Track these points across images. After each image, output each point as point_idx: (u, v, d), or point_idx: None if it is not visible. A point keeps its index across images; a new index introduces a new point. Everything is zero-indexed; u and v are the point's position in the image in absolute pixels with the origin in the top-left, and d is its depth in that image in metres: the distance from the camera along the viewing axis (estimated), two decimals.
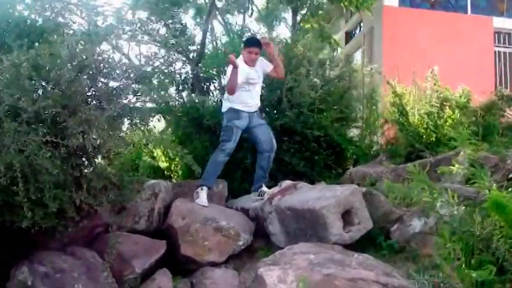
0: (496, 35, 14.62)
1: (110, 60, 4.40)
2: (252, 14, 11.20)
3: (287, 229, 4.92)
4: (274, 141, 5.89)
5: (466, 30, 13.71)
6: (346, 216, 4.52)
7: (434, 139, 7.04)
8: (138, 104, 4.76)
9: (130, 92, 4.64)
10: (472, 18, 14.43)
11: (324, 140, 6.85)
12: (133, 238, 4.82)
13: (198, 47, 8.12)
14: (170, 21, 7.69)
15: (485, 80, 11.94)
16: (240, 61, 5.58)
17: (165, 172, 9.01)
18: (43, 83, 4.13)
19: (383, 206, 4.86)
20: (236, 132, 5.68)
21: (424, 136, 7.11)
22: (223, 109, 5.84)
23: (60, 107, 3.93)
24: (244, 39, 6.48)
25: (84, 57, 4.10)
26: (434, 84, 7.42)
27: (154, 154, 9.28)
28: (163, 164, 9.14)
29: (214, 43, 9.40)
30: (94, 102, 4.31)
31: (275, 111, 6.99)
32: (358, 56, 15.15)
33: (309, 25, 12.32)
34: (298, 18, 11.59)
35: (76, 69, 4.05)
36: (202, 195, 5.47)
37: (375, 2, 11.21)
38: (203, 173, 5.55)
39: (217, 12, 10.23)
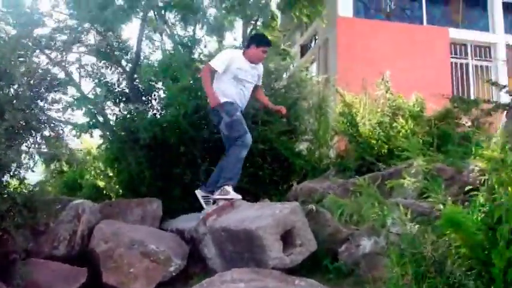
0: (452, 46, 14.55)
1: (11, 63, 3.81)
2: (203, 26, 10.76)
3: (223, 252, 4.44)
4: None
5: (422, 41, 13.66)
6: (287, 237, 4.07)
7: (386, 151, 6.71)
8: (54, 115, 4.24)
9: (41, 101, 4.09)
10: (427, 29, 14.39)
11: (270, 154, 6.45)
12: (50, 265, 4.41)
13: (134, 55, 7.58)
14: (102, 29, 7.10)
15: (442, 92, 11.73)
16: (239, 56, 5.47)
17: (104, 191, 8.37)
18: None
19: (330, 225, 4.44)
20: (243, 121, 5.25)
21: (375, 148, 6.77)
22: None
23: None
24: (255, 35, 6.30)
25: None
26: (386, 92, 7.03)
27: (93, 172, 8.67)
28: (101, 183, 8.51)
29: (163, 54, 8.88)
30: None
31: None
32: (313, 70, 14.87)
33: None
34: (249, 29, 11.19)
35: None
36: (230, 189, 5.12)
37: (325, 10, 10.88)
38: (225, 172, 5.24)
39: (164, 25, 9.73)
